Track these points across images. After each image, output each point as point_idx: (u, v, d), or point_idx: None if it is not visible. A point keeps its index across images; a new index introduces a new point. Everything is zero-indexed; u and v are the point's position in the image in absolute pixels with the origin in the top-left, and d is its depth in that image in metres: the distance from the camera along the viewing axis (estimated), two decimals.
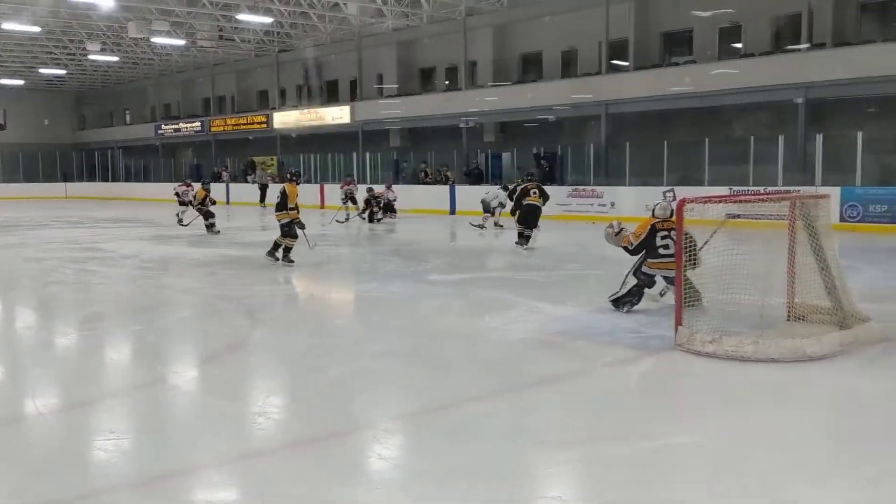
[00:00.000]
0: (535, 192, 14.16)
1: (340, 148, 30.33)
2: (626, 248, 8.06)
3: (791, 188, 15.76)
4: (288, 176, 12.69)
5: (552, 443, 4.59)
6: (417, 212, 23.53)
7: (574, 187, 21.21)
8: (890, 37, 18.55)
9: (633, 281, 7.96)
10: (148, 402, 5.58)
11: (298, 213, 12.02)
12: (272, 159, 33.96)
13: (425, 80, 30.20)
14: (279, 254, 12.08)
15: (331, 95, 33.16)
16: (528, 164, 25.07)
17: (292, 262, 11.95)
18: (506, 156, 26.57)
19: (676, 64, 22.06)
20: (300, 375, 6.23)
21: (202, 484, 4.08)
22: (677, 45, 23.07)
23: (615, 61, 23.18)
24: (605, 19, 21.91)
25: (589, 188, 20.86)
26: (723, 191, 16.59)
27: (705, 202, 7.09)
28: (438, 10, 26.30)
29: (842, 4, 19.01)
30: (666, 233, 7.71)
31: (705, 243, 7.33)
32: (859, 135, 16.38)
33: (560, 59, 25.48)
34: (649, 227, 7.87)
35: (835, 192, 15.17)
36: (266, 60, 34.55)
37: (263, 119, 33.22)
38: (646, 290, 8.10)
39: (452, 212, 23.06)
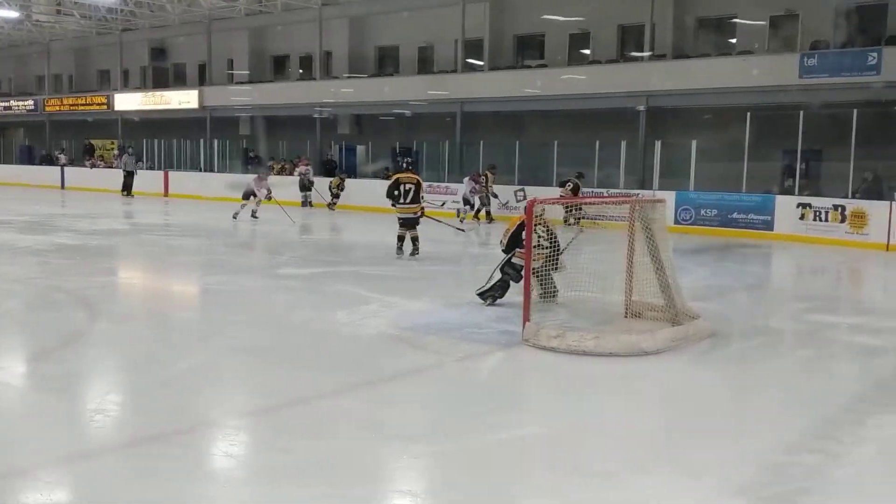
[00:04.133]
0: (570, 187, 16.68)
1: (187, 134, 29.23)
2: (503, 251, 8.28)
3: (631, 191, 16.64)
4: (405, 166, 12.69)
5: (405, 437, 4.63)
6: (269, 202, 23.01)
7: (429, 184, 21.37)
8: (724, 51, 19.89)
9: (498, 276, 8.15)
10: None
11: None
12: (112, 143, 32.30)
13: (278, 68, 29.62)
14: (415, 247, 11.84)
15: (178, 79, 31.90)
16: (383, 157, 25.14)
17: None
18: (360, 148, 26.48)
19: (529, 67, 22.71)
20: (142, 371, 5.96)
21: (36, 485, 3.83)
22: (530, 49, 23.75)
23: (471, 60, 23.58)
24: (461, 18, 22.23)
25: (443, 185, 21.10)
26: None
27: (555, 202, 7.36)
28: None
29: (681, 19, 20.18)
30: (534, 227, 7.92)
31: (564, 248, 7.61)
32: (693, 143, 17.45)
33: (417, 54, 25.66)
34: (518, 223, 8.04)
35: (670, 197, 16.06)
36: (108, 39, 32.75)
37: (104, 100, 31.50)
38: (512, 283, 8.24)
39: (307, 203, 22.70)
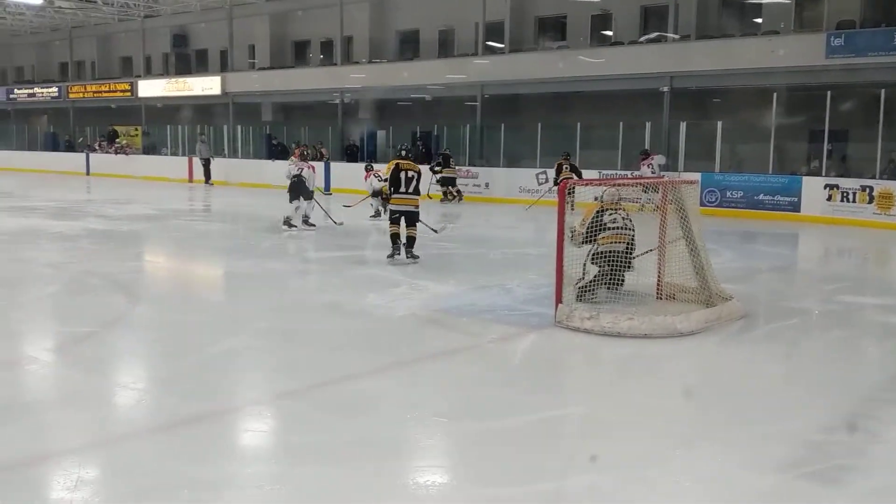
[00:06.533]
0: (567, 168, 16.56)
1: (210, 120, 29.39)
2: (579, 242, 7.47)
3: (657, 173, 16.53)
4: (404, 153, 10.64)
5: (443, 416, 4.69)
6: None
7: None
8: (749, 31, 19.69)
9: (593, 269, 7.52)
10: (20, 383, 5.30)
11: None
12: (136, 129, 32.51)
13: (299, 53, 29.63)
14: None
15: (200, 65, 32.03)
16: (403, 142, 25.13)
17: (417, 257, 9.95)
18: (381, 134, 26.49)
19: (550, 48, 22.59)
20: (180, 353, 6.05)
21: (78, 462, 3.91)
22: (551, 30, 23.61)
23: (491, 43, 23.49)
24: (482, 1, 22.13)
25: (464, 169, 21.11)
26: (593, 174, 17.18)
27: (586, 185, 7.35)
28: None
29: None
30: (613, 210, 7.54)
31: (648, 251, 7.46)
32: (719, 124, 17.33)
33: (437, 38, 25.59)
34: (594, 211, 7.54)
35: (696, 178, 15.97)
36: (130, 26, 32.92)
37: (127, 87, 31.69)
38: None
39: (327, 189, 22.80)
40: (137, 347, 6.32)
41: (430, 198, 19.48)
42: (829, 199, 15.40)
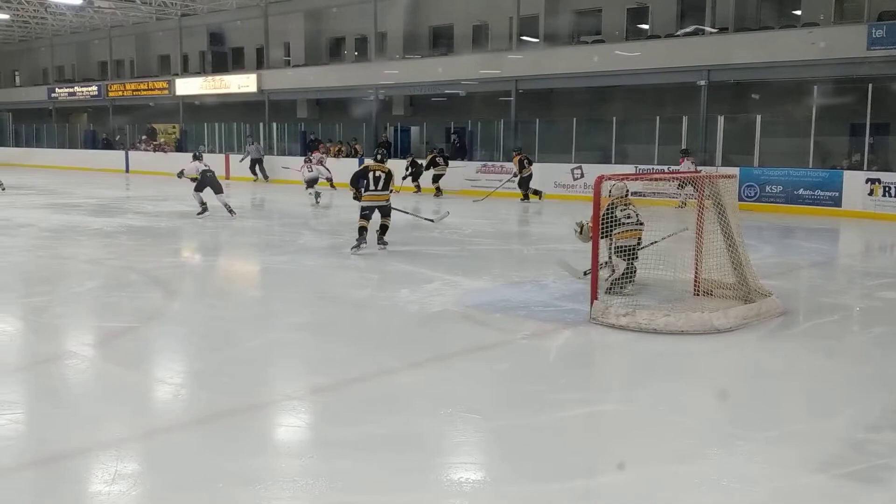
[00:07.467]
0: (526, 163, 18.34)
1: (246, 117, 29.60)
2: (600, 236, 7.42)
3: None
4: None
5: (476, 412, 4.66)
6: (325, 185, 23.21)
7: (483, 163, 21.37)
8: (788, 23, 19.35)
9: (621, 263, 7.56)
10: (60, 377, 5.39)
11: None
12: (174, 127, 32.90)
13: (334, 50, 29.75)
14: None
15: (236, 63, 32.31)
16: (437, 138, 25.12)
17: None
18: (415, 129, 26.50)
19: (585, 42, 22.40)
20: (216, 348, 6.12)
21: (115, 455, 3.96)
22: (587, 24, 23.42)
23: (525, 37, 23.36)
24: None
25: (498, 164, 21.05)
26: (629, 169, 17.04)
27: (622, 179, 7.28)
28: None
29: None
30: (624, 206, 7.62)
31: (653, 243, 7.46)
32: (758, 117, 17.06)
33: (471, 33, 25.52)
34: (606, 206, 7.54)
35: (734, 173, 15.74)
36: (168, 24, 33.30)
37: (165, 85, 32.05)
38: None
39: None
40: (174, 342, 6.40)
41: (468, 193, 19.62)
42: (871, 193, 15.10)
